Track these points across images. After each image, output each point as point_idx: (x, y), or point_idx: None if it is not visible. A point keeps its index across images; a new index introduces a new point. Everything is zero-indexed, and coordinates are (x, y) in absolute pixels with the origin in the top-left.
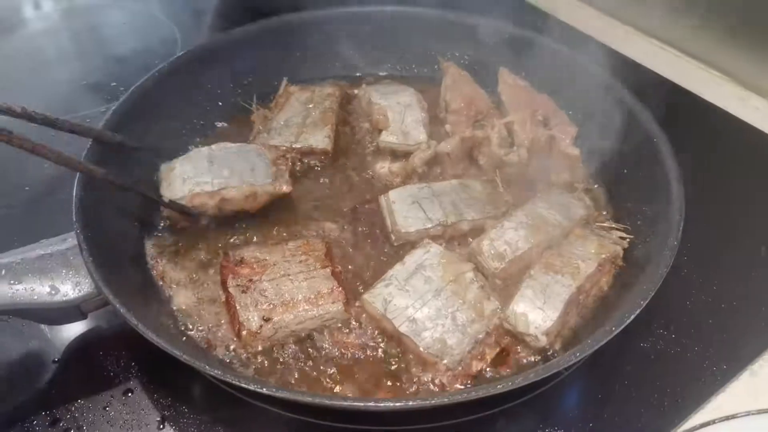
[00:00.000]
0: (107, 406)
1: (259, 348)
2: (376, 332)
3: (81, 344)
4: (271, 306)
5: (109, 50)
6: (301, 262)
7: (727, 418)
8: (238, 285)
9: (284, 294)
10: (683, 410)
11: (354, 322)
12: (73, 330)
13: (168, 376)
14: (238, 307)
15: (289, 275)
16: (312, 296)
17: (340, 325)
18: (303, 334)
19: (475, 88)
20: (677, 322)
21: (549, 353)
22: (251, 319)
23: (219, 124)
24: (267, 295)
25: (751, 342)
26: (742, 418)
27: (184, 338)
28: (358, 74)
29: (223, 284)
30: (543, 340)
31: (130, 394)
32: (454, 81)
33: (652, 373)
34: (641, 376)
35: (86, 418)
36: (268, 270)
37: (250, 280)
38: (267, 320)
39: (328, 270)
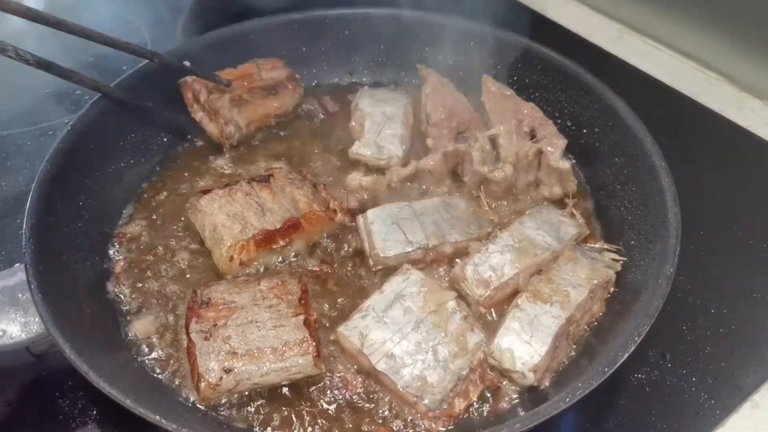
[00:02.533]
0: None
1: (221, 401)
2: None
3: (35, 385)
4: (234, 355)
5: (74, 56)
6: (271, 306)
7: None
8: (201, 330)
9: (249, 342)
10: None
11: (327, 377)
12: (27, 369)
13: (128, 420)
14: (197, 356)
15: (256, 321)
16: (280, 346)
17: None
18: (266, 389)
19: (458, 97)
20: (673, 350)
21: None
22: (211, 369)
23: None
24: (231, 343)
25: (752, 370)
26: None
27: (145, 377)
28: (335, 80)
29: (186, 328)
30: (531, 378)
31: None
32: (435, 90)
33: (646, 406)
34: (635, 411)
35: None
36: (235, 314)
37: (215, 325)
38: (228, 371)
39: (300, 318)
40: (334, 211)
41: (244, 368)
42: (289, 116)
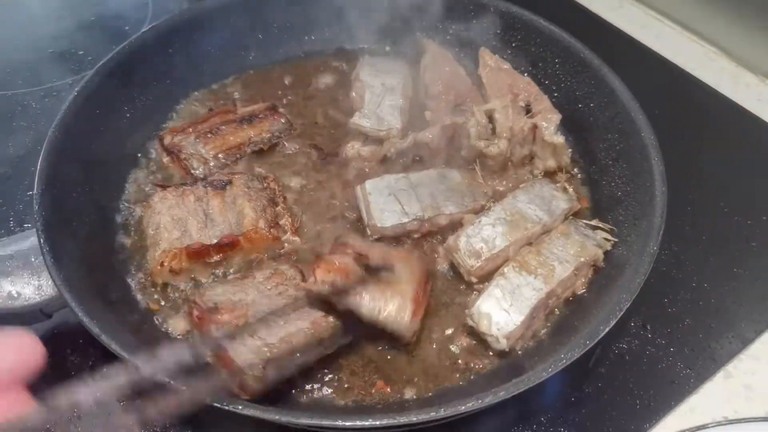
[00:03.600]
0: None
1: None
2: None
3: (47, 341)
4: (269, 345)
5: (75, 15)
6: (281, 293)
7: (698, 428)
8: (225, 335)
9: (279, 330)
10: (655, 413)
11: None
12: (40, 326)
13: None
14: (234, 358)
15: (275, 311)
16: (309, 326)
17: None
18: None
19: (456, 68)
20: (654, 321)
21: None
22: (252, 363)
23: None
24: (260, 335)
25: (727, 342)
26: (712, 429)
27: (156, 341)
28: (336, 49)
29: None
30: (503, 343)
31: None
32: (434, 61)
33: (625, 374)
34: (615, 379)
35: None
36: (250, 310)
37: (236, 326)
38: (268, 361)
39: None
40: (284, 229)
41: (283, 351)
42: (266, 143)
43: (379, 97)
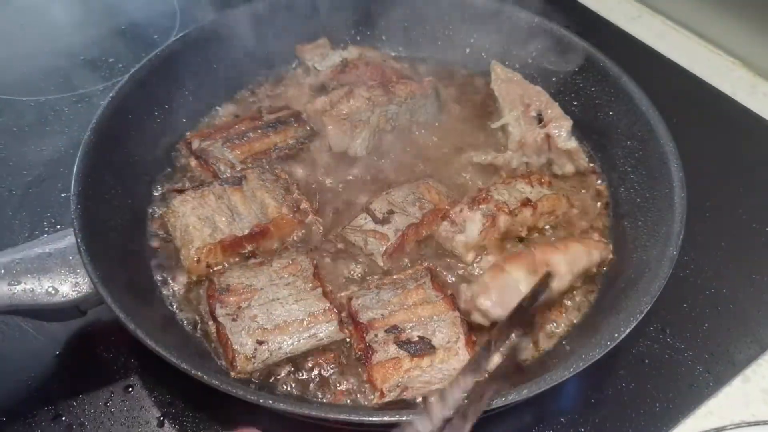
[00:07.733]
0: (108, 402)
1: (255, 373)
2: None
3: (82, 338)
4: (264, 330)
5: (106, 24)
6: (289, 284)
7: (716, 431)
8: (227, 314)
9: (276, 318)
10: (674, 416)
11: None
12: (74, 323)
13: (167, 373)
14: (230, 336)
15: (278, 299)
16: (305, 318)
17: None
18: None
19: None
20: (673, 325)
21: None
22: (244, 343)
23: (220, 109)
24: (258, 320)
25: (746, 346)
26: (730, 431)
27: (186, 339)
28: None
29: (212, 314)
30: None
31: (130, 390)
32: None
33: (645, 377)
34: (634, 381)
35: (87, 413)
36: (256, 295)
37: (239, 307)
38: (261, 343)
39: (319, 290)
40: (305, 212)
41: (275, 339)
42: (291, 149)
43: None
